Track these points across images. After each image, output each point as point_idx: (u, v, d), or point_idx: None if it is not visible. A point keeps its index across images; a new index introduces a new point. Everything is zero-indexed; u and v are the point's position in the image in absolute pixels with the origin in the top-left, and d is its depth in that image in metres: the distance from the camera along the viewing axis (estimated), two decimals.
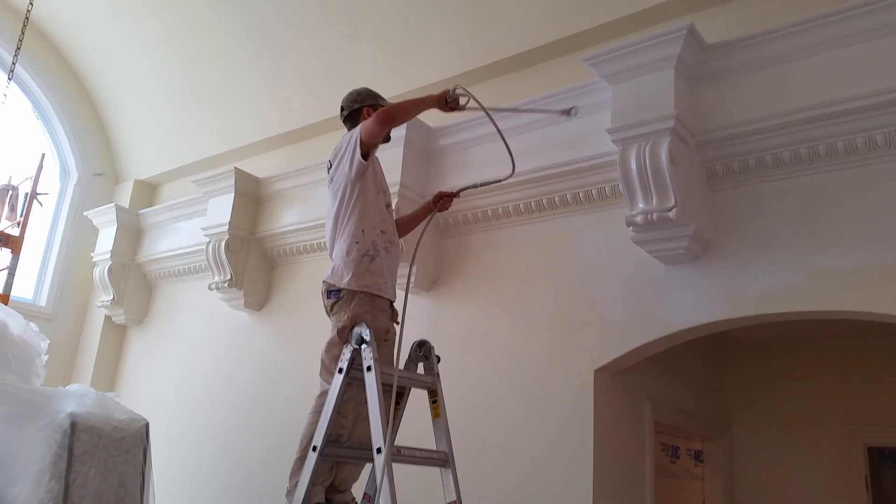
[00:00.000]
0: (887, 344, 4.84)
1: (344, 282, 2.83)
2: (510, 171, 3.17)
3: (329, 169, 3.03)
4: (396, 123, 3.00)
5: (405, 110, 2.96)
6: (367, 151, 2.89)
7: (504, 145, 3.08)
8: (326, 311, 3.00)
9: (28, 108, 6.35)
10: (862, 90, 2.82)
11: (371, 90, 3.23)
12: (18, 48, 4.17)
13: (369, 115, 3.05)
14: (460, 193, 3.36)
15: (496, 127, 3.12)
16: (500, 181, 3.41)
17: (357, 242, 2.86)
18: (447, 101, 2.94)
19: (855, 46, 2.89)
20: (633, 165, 3.13)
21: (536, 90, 3.85)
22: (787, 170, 3.10)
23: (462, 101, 2.97)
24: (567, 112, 3.08)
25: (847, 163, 2.97)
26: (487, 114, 3.08)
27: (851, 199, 2.94)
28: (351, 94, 3.21)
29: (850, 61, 2.90)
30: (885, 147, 2.87)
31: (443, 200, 3.33)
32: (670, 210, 3.05)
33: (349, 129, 3.17)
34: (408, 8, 4.45)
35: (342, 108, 3.20)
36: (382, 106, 3.17)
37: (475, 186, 3.44)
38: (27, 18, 4.11)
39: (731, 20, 3.37)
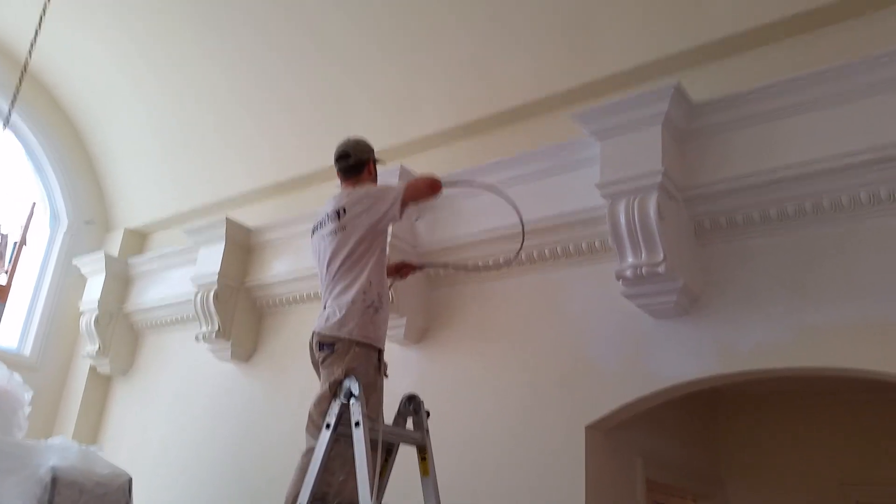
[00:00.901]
0: (880, 400, 4.82)
1: (345, 331, 2.80)
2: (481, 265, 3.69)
3: (340, 214, 3.00)
4: (437, 196, 3.14)
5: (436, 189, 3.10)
6: (403, 210, 2.98)
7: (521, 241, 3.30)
8: (314, 363, 2.97)
9: (21, 154, 6.37)
10: (845, 149, 2.88)
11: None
12: (15, 97, 4.20)
13: (372, 170, 3.20)
14: (423, 267, 3.41)
15: (521, 223, 3.27)
16: (469, 270, 3.76)
17: (364, 293, 2.86)
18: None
19: (839, 106, 2.96)
20: (622, 220, 3.16)
21: (527, 144, 3.91)
22: (775, 226, 3.14)
23: None
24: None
25: (833, 220, 3.01)
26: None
27: (838, 255, 2.97)
28: (359, 143, 3.22)
29: (834, 120, 2.96)
30: (868, 204, 2.91)
31: (404, 270, 3.38)
32: (659, 264, 3.07)
33: (347, 177, 3.18)
34: (402, 63, 4.53)
35: (347, 155, 3.17)
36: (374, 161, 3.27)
37: (444, 266, 3.66)
38: (25, 68, 4.16)
39: (717, 79, 3.44)
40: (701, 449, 5.19)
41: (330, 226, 3.03)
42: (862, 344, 2.82)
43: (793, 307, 3.02)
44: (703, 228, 3.31)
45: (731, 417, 5.45)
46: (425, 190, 3.01)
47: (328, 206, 3.12)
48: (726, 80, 3.39)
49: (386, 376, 2.99)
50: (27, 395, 3.99)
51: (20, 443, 3.60)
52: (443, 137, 4.50)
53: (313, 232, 3.19)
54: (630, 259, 3.17)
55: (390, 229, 3.35)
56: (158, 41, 5.41)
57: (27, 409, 3.96)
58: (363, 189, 3.07)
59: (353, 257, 2.93)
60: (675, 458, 4.67)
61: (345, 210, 3.00)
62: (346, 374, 2.73)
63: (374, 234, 2.96)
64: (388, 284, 3.41)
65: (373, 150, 3.25)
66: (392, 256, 3.88)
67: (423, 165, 4.29)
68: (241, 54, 5.12)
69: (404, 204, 2.95)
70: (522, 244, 3.29)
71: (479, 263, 3.80)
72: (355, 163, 3.17)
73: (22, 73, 4.22)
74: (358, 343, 2.81)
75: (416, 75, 4.52)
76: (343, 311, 2.84)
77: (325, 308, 2.96)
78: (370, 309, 2.85)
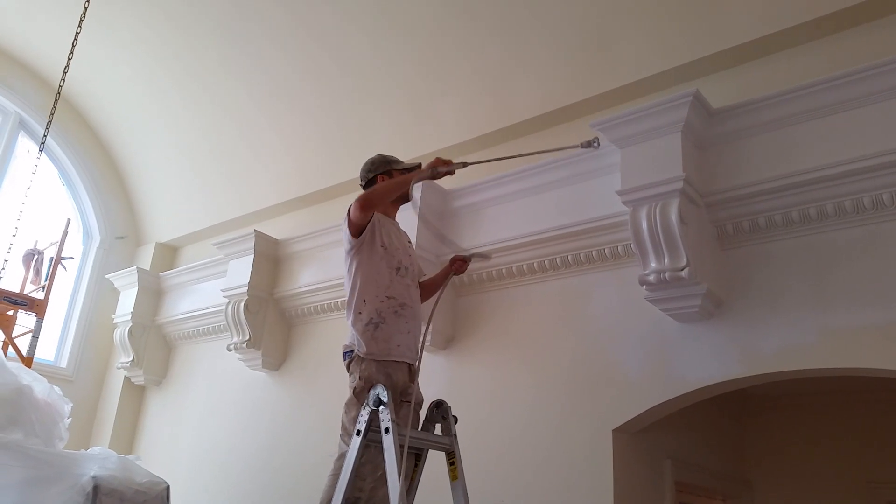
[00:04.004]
0: None
1: (355, 350, 2.92)
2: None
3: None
4: (375, 207, 3.00)
5: (384, 192, 3.02)
6: (356, 230, 2.96)
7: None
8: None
9: (54, 173, 6.55)
10: (865, 151, 2.89)
11: (384, 156, 3.29)
12: (50, 121, 4.35)
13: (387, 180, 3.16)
14: (473, 258, 3.40)
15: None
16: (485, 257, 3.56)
17: (360, 313, 2.93)
18: (439, 171, 3.00)
19: (858, 109, 2.97)
20: (645, 226, 3.19)
21: (547, 154, 3.94)
22: (797, 229, 3.15)
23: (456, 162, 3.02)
24: (589, 144, 2.91)
25: (855, 221, 3.02)
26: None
27: (860, 257, 2.98)
28: (366, 164, 3.29)
29: (853, 123, 2.98)
30: (891, 206, 2.92)
31: (458, 264, 3.38)
32: (682, 269, 3.10)
33: None
34: (421, 77, 4.61)
35: (360, 179, 3.28)
36: (397, 170, 3.25)
37: (485, 257, 3.51)
38: (59, 93, 4.30)
39: (736, 84, 3.47)
40: (728, 450, 5.18)
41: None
42: (886, 344, 2.82)
43: (817, 309, 3.03)
44: (726, 233, 3.34)
45: (758, 418, 5.43)
46: (358, 213, 2.92)
47: None
48: (744, 87, 3.41)
49: (413, 383, 3.04)
50: (67, 408, 4.11)
51: (62, 453, 3.71)
52: (463, 149, 4.55)
53: None
54: (653, 264, 3.20)
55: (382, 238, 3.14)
56: (184, 62, 5.56)
57: (67, 421, 4.08)
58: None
59: (349, 281, 3.02)
60: (703, 459, 4.68)
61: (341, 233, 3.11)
62: (367, 382, 2.81)
63: (353, 256, 2.99)
64: (446, 282, 3.37)
65: (382, 164, 3.23)
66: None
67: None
68: (265, 73, 5.23)
69: (353, 227, 2.95)
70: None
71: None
72: (365, 184, 3.25)
73: (56, 97, 4.36)
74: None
75: (435, 88, 4.59)
76: (351, 333, 2.96)
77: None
78: (369, 326, 2.91)
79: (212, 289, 5.69)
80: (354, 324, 2.94)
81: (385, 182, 3.09)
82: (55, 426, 3.85)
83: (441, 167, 3.02)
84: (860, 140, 2.93)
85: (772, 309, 3.14)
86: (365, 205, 2.94)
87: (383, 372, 2.87)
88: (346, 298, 3.07)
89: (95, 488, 3.35)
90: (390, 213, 3.22)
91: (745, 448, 5.40)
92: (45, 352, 6.10)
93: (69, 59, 4.19)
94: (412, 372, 3.00)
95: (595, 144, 2.93)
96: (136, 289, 6.21)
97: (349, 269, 3.02)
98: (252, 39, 5.10)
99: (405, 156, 4.38)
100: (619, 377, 3.49)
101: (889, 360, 2.81)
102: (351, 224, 2.96)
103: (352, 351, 2.93)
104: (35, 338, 5.03)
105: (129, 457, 3.83)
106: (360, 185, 3.28)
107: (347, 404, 2.88)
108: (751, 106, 3.23)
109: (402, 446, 2.68)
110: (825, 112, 3.06)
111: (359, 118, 5.01)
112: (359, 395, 2.82)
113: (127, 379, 6.25)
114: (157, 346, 6.22)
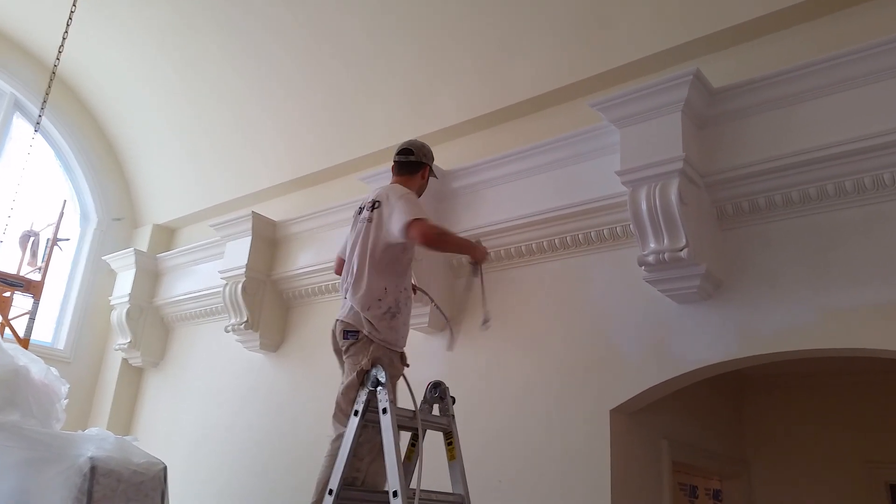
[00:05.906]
0: None
1: (365, 329, 2.88)
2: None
3: (374, 206, 3.04)
4: (433, 247, 3.02)
5: (450, 246, 3.16)
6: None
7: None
8: (336, 350, 3.02)
9: (50, 155, 6.51)
10: (866, 131, 2.86)
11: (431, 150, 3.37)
12: (45, 101, 4.31)
13: (425, 176, 3.26)
14: (419, 293, 3.45)
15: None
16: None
17: (379, 300, 2.91)
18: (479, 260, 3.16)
19: (859, 88, 2.94)
20: (644, 206, 3.17)
21: (545, 135, 3.92)
22: (797, 209, 3.13)
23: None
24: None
25: (855, 201, 3.00)
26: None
27: (861, 237, 2.96)
28: (424, 147, 3.31)
29: (854, 102, 2.95)
30: (892, 186, 2.89)
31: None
32: (681, 250, 3.08)
33: (400, 172, 3.23)
34: (418, 58, 4.56)
35: (410, 152, 3.24)
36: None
37: (435, 305, 3.67)
38: (54, 73, 4.26)
39: (737, 63, 3.43)
40: (726, 430, 5.20)
41: (366, 213, 3.09)
42: (885, 324, 2.81)
43: (816, 289, 3.02)
44: (726, 213, 3.32)
45: (756, 399, 5.45)
46: (431, 240, 2.90)
47: (371, 194, 3.18)
48: (745, 66, 3.37)
49: (407, 365, 3.05)
50: (64, 389, 4.10)
51: (59, 434, 3.70)
52: (460, 130, 4.53)
53: (357, 214, 3.23)
54: (652, 245, 3.18)
55: None
56: (180, 45, 5.51)
57: (64, 402, 4.07)
58: (401, 191, 3.06)
59: (374, 258, 2.96)
60: (701, 439, 4.69)
61: (379, 203, 3.04)
62: (373, 364, 2.80)
63: (394, 244, 2.96)
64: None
65: (433, 160, 3.33)
66: None
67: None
68: (259, 56, 5.19)
69: (410, 239, 2.92)
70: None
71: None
72: (416, 161, 3.23)
73: (51, 78, 4.32)
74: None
75: (433, 70, 4.54)
76: (360, 316, 2.91)
77: (345, 298, 3.03)
78: (387, 315, 2.91)
79: (209, 270, 5.67)
80: (369, 308, 2.90)
81: (460, 241, 3.15)
82: (52, 407, 3.85)
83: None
84: (861, 119, 2.91)
85: (771, 289, 3.13)
86: (430, 242, 2.91)
87: (390, 353, 2.88)
88: (349, 279, 3.03)
89: (93, 469, 3.35)
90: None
91: (743, 428, 5.42)
92: (42, 333, 6.10)
93: (63, 39, 4.14)
94: (404, 355, 3.01)
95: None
96: (134, 270, 6.20)
97: (390, 253, 2.96)
98: (248, 24, 5.05)
99: (399, 137, 4.38)
100: (617, 357, 3.49)
101: (888, 341, 2.80)
102: (409, 237, 2.89)
103: (356, 332, 2.90)
104: (31, 319, 5.02)
105: (127, 438, 3.83)
106: (403, 157, 3.24)
107: (347, 386, 2.87)
108: (752, 85, 3.19)
109: (399, 426, 2.69)
110: (826, 91, 3.03)
111: (354, 101, 4.97)
112: (360, 376, 2.82)
113: (124, 360, 6.25)
114: (154, 327, 6.22)
